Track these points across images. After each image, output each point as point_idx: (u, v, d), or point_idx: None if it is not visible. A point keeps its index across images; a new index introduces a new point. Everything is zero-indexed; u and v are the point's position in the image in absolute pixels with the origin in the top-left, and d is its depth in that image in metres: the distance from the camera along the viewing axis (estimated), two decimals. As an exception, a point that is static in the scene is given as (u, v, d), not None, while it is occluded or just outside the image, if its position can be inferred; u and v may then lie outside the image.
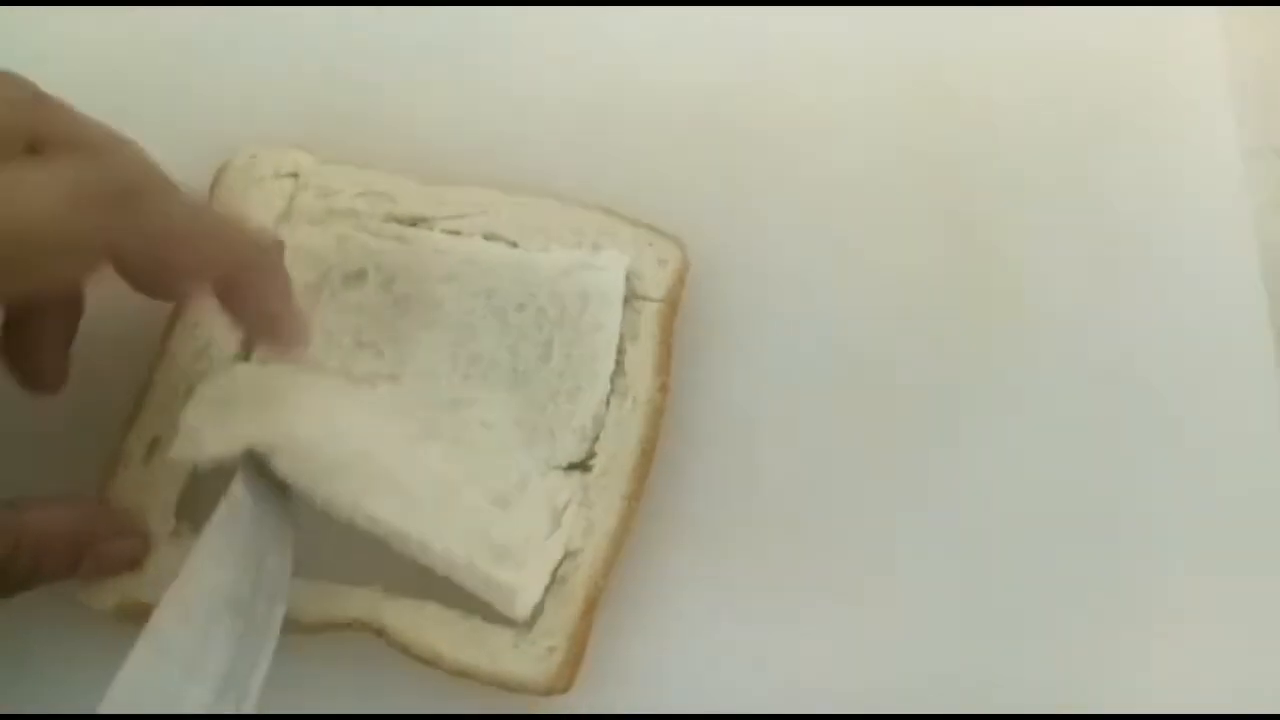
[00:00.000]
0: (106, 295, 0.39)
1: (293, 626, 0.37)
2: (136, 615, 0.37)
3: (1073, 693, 0.39)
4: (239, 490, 0.36)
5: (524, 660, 0.37)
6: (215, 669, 0.33)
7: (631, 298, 0.40)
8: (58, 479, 0.39)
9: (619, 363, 0.40)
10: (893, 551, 0.40)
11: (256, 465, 0.37)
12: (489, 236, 0.41)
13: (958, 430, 0.41)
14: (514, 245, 0.41)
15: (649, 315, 0.40)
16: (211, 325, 0.40)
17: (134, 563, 0.37)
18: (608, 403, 0.40)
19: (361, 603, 0.38)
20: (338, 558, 0.38)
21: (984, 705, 0.39)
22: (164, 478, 0.39)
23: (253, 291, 0.35)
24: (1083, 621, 0.39)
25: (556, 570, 0.38)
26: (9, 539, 0.33)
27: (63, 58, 0.42)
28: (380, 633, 0.37)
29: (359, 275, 0.41)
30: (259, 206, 0.41)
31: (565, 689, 0.37)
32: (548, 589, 0.38)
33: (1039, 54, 0.44)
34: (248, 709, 0.33)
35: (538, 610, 0.38)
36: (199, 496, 0.39)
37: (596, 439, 0.39)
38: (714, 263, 0.42)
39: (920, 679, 0.39)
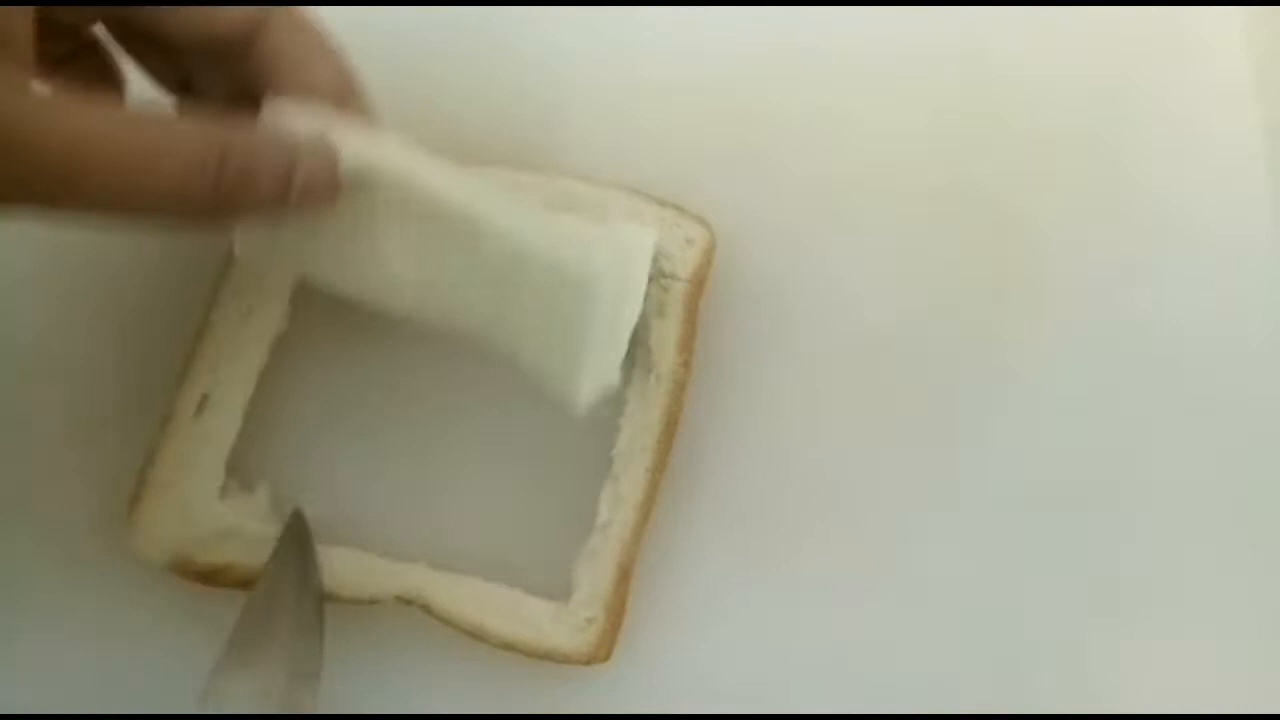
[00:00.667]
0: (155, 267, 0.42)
1: (343, 598, 0.38)
2: (188, 571, 0.38)
3: (1095, 665, 0.40)
4: (272, 572, 0.37)
5: (564, 632, 0.38)
6: None
7: (658, 276, 0.41)
8: (111, 435, 0.40)
9: (644, 339, 0.40)
10: (914, 523, 0.41)
11: (294, 527, 0.38)
12: None
13: (982, 407, 0.42)
14: None
15: (675, 293, 0.41)
16: (256, 292, 0.40)
17: (334, 188, 0.33)
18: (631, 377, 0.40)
19: (407, 579, 0.38)
20: (384, 535, 0.39)
21: (1009, 673, 0.40)
22: (214, 434, 0.39)
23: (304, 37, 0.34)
24: (1106, 601, 0.41)
25: (591, 543, 0.39)
26: (214, 150, 0.31)
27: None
28: (425, 608, 0.38)
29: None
30: None
31: (605, 658, 0.38)
32: (582, 563, 0.39)
33: (1063, 34, 0.45)
34: None
35: (574, 583, 0.39)
36: (247, 452, 0.40)
37: None
38: (741, 243, 0.42)
39: (939, 646, 0.40)
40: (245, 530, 0.39)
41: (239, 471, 0.40)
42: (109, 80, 0.36)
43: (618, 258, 0.39)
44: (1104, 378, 0.42)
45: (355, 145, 0.33)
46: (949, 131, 0.44)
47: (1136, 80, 0.44)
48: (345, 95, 0.35)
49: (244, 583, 0.38)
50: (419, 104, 0.44)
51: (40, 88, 0.30)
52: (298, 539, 0.38)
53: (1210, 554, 0.41)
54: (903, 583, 0.41)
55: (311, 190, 0.33)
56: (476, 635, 0.38)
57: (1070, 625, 0.40)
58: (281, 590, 0.37)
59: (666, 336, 0.40)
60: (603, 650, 0.38)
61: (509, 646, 0.38)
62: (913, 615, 0.40)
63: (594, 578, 0.39)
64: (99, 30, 0.35)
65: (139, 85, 0.37)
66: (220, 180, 0.30)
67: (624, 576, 0.39)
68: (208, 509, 0.39)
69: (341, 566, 0.38)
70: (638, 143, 0.43)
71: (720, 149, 0.43)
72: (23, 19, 0.29)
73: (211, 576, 0.38)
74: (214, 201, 0.31)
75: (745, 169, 0.43)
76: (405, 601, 0.38)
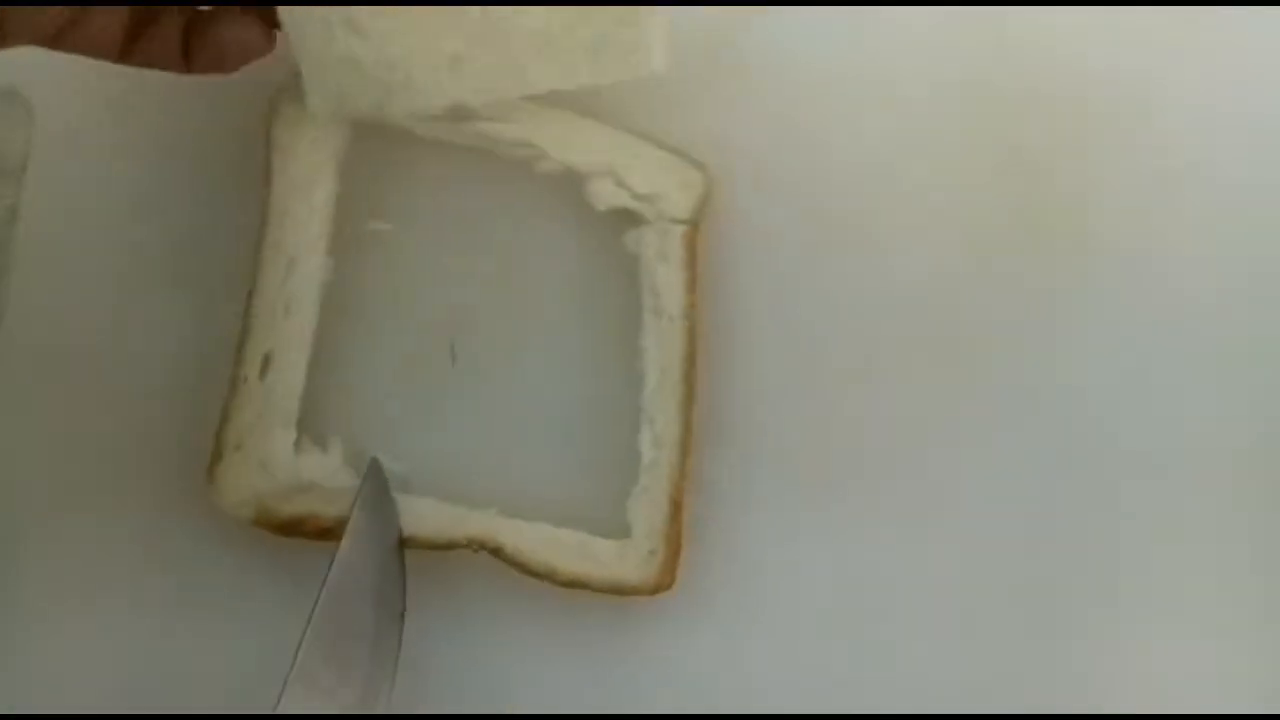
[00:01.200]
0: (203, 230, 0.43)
1: (418, 544, 0.41)
2: (271, 523, 0.41)
3: (1132, 628, 0.42)
4: (358, 522, 0.40)
5: (629, 565, 0.41)
6: (352, 697, 0.39)
7: (658, 219, 0.42)
8: (183, 401, 0.43)
9: (651, 284, 0.42)
10: (928, 455, 0.43)
11: (375, 484, 0.40)
12: (522, 143, 0.42)
13: (1016, 357, 0.43)
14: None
15: (674, 237, 0.42)
16: (294, 245, 0.42)
17: None
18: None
19: (480, 523, 0.41)
20: (458, 482, 0.41)
21: (1034, 616, 0.42)
22: (281, 392, 0.41)
23: None
24: (1143, 566, 0.43)
25: (641, 483, 0.41)
26: None
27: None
28: (497, 551, 0.40)
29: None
30: (310, 126, 0.42)
31: (670, 586, 0.41)
32: (636, 501, 0.41)
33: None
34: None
35: (631, 520, 0.41)
36: (318, 409, 0.42)
37: None
38: (768, 192, 0.44)
39: (974, 583, 0.43)
40: (323, 483, 0.41)
41: (311, 428, 0.42)
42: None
43: None
44: (1145, 334, 0.43)
45: None
46: (987, 88, 0.44)
47: (1177, 40, 0.45)
48: None
49: (325, 533, 0.40)
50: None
51: None
52: (376, 487, 0.41)
53: (1243, 523, 0.43)
54: (924, 505, 0.43)
55: None
56: (546, 575, 0.40)
57: (1102, 569, 0.42)
58: (364, 537, 0.40)
59: (672, 279, 0.42)
60: (666, 578, 0.41)
61: (578, 583, 0.41)
62: (942, 552, 0.43)
63: (649, 513, 0.41)
64: None
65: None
66: None
67: (676, 509, 0.41)
68: (284, 464, 0.41)
69: (416, 514, 0.41)
70: (668, 96, 0.44)
71: (758, 106, 0.44)
72: None
73: (293, 527, 0.41)
74: None
75: (781, 127, 0.44)
76: (477, 546, 0.41)
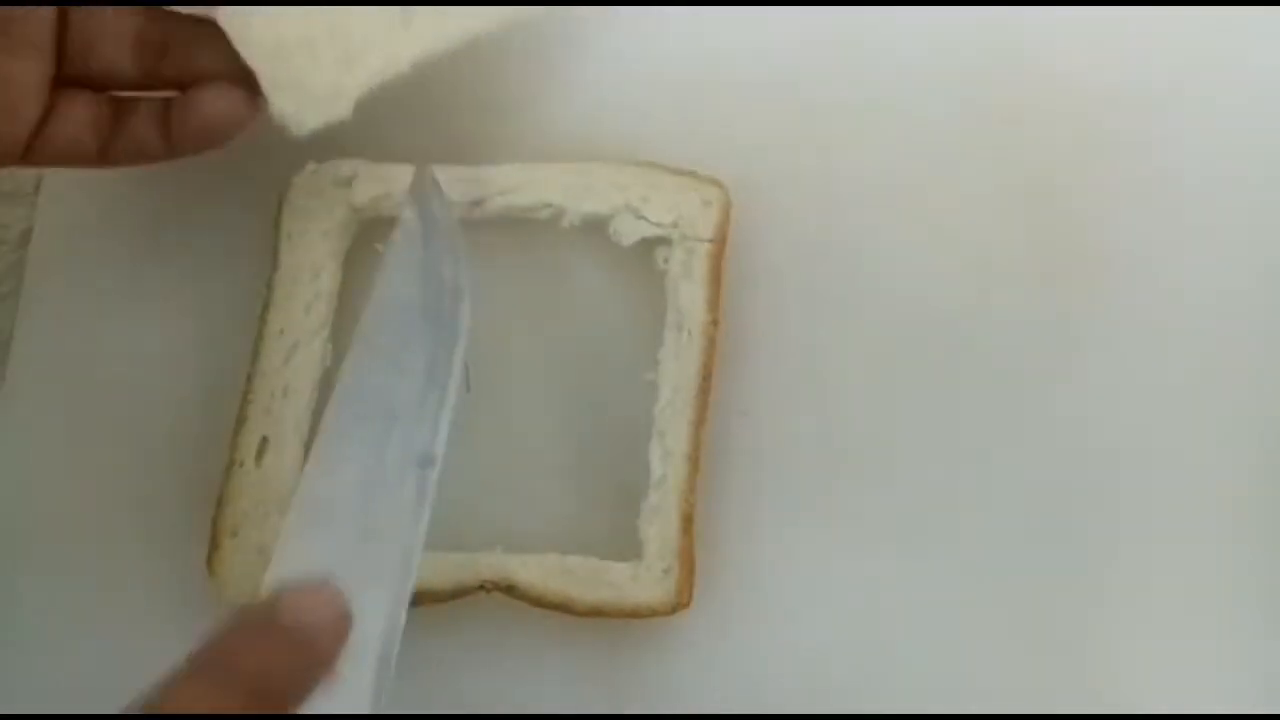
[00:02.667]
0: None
1: (428, 598, 0.39)
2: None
3: (1135, 645, 0.41)
4: (410, 215, 0.40)
5: (645, 586, 0.40)
6: (417, 365, 0.37)
7: (683, 239, 0.43)
8: (181, 487, 0.43)
9: (674, 300, 0.42)
10: (932, 475, 0.42)
11: (423, 188, 0.40)
12: (541, 205, 0.43)
13: (1023, 374, 0.43)
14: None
15: (700, 254, 0.42)
16: (298, 330, 0.42)
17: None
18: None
19: (489, 565, 0.40)
20: (459, 528, 0.40)
21: (1044, 626, 0.41)
22: (278, 476, 0.41)
23: None
24: (1146, 579, 0.41)
25: (650, 499, 0.41)
26: None
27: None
28: (510, 590, 0.40)
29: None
30: (322, 218, 0.43)
31: (688, 604, 0.40)
32: (646, 519, 0.40)
33: (1109, 15, 0.45)
34: (448, 404, 0.37)
35: (643, 539, 0.40)
36: None
37: None
38: (784, 218, 0.44)
39: (978, 615, 0.41)
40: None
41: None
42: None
43: None
44: (1155, 355, 0.43)
45: None
46: (997, 112, 0.45)
47: (1188, 65, 0.45)
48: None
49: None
50: (430, 118, 0.45)
51: None
52: (423, 183, 0.40)
53: (1245, 529, 0.41)
54: (937, 520, 0.42)
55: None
56: (562, 606, 0.40)
57: (1104, 596, 0.41)
58: (417, 228, 0.39)
59: (695, 296, 0.42)
60: (684, 596, 0.40)
61: (596, 612, 0.40)
62: (947, 572, 0.42)
63: (661, 530, 0.40)
64: None
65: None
66: None
67: (687, 525, 0.40)
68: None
69: (426, 565, 0.39)
70: (674, 122, 0.45)
71: (764, 128, 0.45)
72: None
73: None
74: None
75: (791, 151, 0.45)
76: (490, 587, 0.40)
